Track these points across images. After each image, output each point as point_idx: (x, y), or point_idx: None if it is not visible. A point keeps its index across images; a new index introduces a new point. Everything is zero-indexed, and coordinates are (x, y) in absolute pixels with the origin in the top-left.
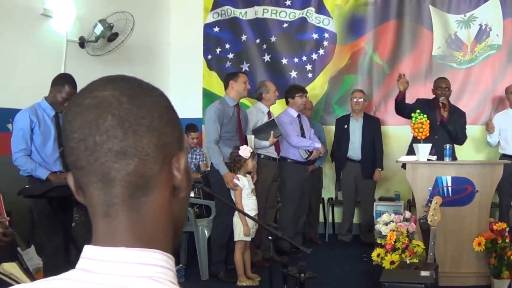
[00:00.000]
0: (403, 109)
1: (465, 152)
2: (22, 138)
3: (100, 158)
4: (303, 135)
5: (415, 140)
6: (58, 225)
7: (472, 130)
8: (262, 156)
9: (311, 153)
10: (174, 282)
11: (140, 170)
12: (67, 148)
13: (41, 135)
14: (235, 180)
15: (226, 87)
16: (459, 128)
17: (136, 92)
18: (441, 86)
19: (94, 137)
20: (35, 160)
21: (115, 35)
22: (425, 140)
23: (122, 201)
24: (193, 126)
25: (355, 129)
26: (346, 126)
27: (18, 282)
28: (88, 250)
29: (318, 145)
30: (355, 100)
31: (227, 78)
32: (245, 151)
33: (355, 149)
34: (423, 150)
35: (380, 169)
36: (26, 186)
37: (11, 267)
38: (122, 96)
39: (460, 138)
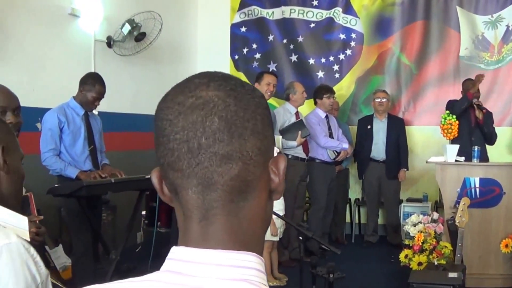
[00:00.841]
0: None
1: (493, 153)
2: (51, 138)
3: (204, 161)
4: (331, 135)
5: (454, 141)
6: (87, 224)
7: (499, 131)
8: (290, 156)
9: (338, 153)
10: (266, 285)
11: (243, 174)
12: (163, 148)
13: (71, 135)
14: None
15: None
16: (491, 128)
17: (241, 93)
18: (470, 87)
19: (199, 139)
20: (64, 159)
21: (143, 35)
22: (461, 142)
23: (222, 205)
24: None
25: (379, 129)
26: (369, 127)
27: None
28: (178, 251)
29: (346, 145)
30: (378, 100)
31: (256, 77)
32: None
33: (378, 150)
34: (451, 151)
35: (405, 169)
36: (56, 185)
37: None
38: (228, 98)
39: (494, 138)
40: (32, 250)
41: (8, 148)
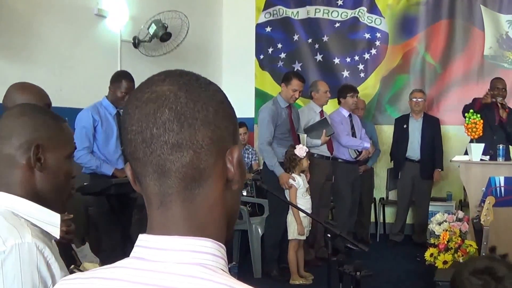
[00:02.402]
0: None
1: None
2: (85, 136)
3: (156, 150)
4: (354, 134)
5: (477, 140)
6: (117, 222)
7: None
8: (315, 155)
9: (360, 153)
10: (225, 271)
11: (194, 162)
12: (125, 140)
13: (104, 133)
14: (290, 180)
15: (281, 86)
16: None
17: (193, 86)
18: (498, 86)
19: (151, 130)
20: (99, 157)
21: (168, 35)
22: (483, 141)
23: (177, 192)
24: (240, 122)
25: (415, 129)
26: (405, 126)
27: None
28: (143, 239)
29: (367, 144)
30: (414, 100)
31: (283, 78)
32: (300, 151)
33: (414, 149)
34: (476, 150)
35: (440, 170)
36: (85, 184)
37: (91, 266)
38: (179, 91)
39: None
40: (47, 251)
41: (48, 145)
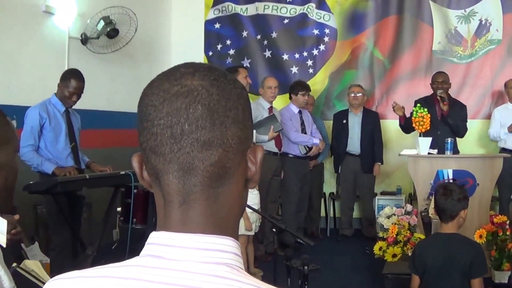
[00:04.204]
0: (409, 128)
1: (466, 146)
2: (31, 133)
3: (186, 147)
4: (304, 130)
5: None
6: (65, 221)
7: (473, 124)
8: None
9: (310, 148)
10: (243, 269)
11: (222, 161)
12: (147, 133)
13: (53, 131)
14: None
15: None
16: (460, 121)
17: (224, 83)
18: (438, 80)
19: (182, 125)
20: (45, 156)
21: (115, 31)
22: (428, 135)
23: (201, 190)
24: None
25: (354, 123)
26: (344, 121)
27: (38, 280)
28: (158, 236)
29: (317, 141)
30: (352, 95)
31: (230, 71)
32: None
33: (354, 144)
34: (424, 144)
35: (379, 163)
36: (31, 182)
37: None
38: (211, 87)
39: (461, 131)
40: None
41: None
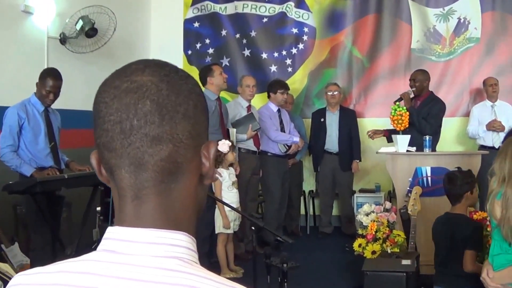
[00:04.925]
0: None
1: (444, 143)
2: (10, 134)
3: (135, 142)
4: (282, 129)
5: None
6: (45, 222)
7: (451, 122)
8: (242, 149)
9: (289, 147)
10: (197, 263)
11: (173, 156)
12: (99, 129)
13: (31, 131)
14: (216, 175)
15: (203, 83)
16: (429, 118)
17: (174, 79)
18: (410, 79)
19: (131, 121)
20: (22, 156)
21: (94, 30)
22: (407, 133)
23: (153, 185)
24: None
25: (332, 122)
26: (322, 120)
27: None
28: (112, 231)
29: (296, 139)
30: (330, 93)
31: (202, 74)
32: (223, 146)
33: (332, 142)
34: (402, 141)
35: (358, 161)
36: (10, 182)
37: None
38: (161, 83)
39: (424, 128)
40: None
41: None
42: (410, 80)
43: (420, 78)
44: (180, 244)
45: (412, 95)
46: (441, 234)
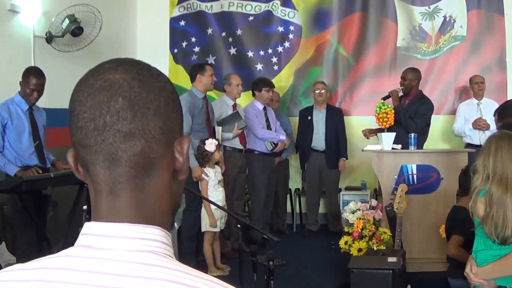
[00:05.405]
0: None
1: (430, 141)
2: None
3: (109, 138)
4: (268, 127)
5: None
6: (31, 221)
7: (437, 120)
8: (227, 148)
9: (276, 145)
10: (172, 257)
11: (145, 151)
12: (74, 127)
13: (15, 130)
14: (203, 175)
15: (192, 79)
16: (416, 117)
17: (146, 76)
18: (401, 77)
19: (104, 117)
20: (7, 156)
21: (80, 29)
22: (393, 131)
23: (127, 180)
24: None
25: (319, 120)
26: (309, 117)
27: None
28: (89, 226)
29: (283, 137)
30: (317, 91)
31: (193, 70)
32: (210, 146)
33: (319, 140)
34: (387, 139)
35: (344, 159)
36: None
37: None
38: (132, 80)
39: (409, 126)
40: None
41: None
42: (401, 78)
43: (409, 77)
44: (154, 238)
45: (400, 93)
46: (449, 227)
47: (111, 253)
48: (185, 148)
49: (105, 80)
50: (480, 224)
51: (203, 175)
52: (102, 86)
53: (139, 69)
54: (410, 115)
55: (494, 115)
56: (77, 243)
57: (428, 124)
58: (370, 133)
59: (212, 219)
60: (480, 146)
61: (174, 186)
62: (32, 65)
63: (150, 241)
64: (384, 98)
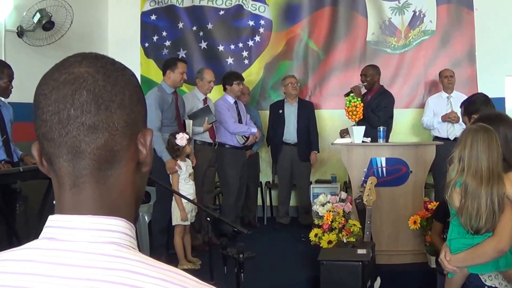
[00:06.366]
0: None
1: (399, 134)
2: None
3: (72, 131)
4: (240, 121)
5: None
6: (0, 215)
7: (406, 113)
8: (197, 141)
9: (247, 138)
10: (135, 249)
11: (109, 144)
12: (39, 120)
13: None
14: (176, 167)
15: (163, 74)
16: (377, 110)
17: (110, 70)
18: (361, 74)
19: (68, 111)
20: None
21: (51, 23)
22: (361, 124)
23: (90, 173)
24: None
25: (290, 113)
26: (281, 111)
27: None
28: (53, 219)
29: (254, 130)
30: (291, 85)
31: (165, 65)
32: (181, 140)
33: (290, 133)
34: (357, 132)
35: (316, 152)
36: None
37: None
38: (97, 74)
39: (372, 120)
40: None
41: None
42: (361, 75)
43: (371, 73)
44: (116, 229)
45: (363, 89)
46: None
47: (74, 245)
48: (148, 140)
49: (70, 74)
50: (456, 214)
51: (177, 167)
52: (66, 79)
53: (104, 63)
54: (372, 109)
55: (461, 107)
56: (41, 235)
57: (391, 117)
58: (346, 133)
59: (183, 214)
60: (447, 139)
61: (137, 178)
62: (3, 59)
63: (113, 233)
64: (347, 94)
